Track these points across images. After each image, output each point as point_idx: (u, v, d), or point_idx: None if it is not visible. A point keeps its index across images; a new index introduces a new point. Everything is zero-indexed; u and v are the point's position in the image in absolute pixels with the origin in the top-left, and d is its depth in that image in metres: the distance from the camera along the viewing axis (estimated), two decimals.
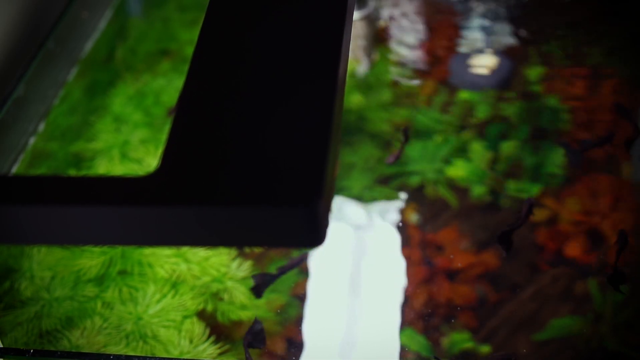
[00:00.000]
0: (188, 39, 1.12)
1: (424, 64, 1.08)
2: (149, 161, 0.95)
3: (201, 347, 0.78)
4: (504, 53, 1.09)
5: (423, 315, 0.81)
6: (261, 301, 0.82)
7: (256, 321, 0.78)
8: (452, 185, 0.92)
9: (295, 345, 0.79)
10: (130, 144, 0.97)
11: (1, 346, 0.76)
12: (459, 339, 0.79)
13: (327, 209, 0.45)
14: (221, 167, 0.47)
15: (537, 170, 0.93)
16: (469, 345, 0.78)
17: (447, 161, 0.95)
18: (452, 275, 0.84)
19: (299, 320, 0.81)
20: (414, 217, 0.90)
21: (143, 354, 0.77)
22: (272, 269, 0.85)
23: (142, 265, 0.84)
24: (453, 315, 0.81)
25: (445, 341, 0.79)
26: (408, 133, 0.96)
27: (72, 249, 0.86)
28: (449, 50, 1.09)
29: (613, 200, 0.90)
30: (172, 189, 0.46)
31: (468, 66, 1.07)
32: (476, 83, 1.05)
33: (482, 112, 1.00)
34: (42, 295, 0.82)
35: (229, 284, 0.83)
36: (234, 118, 0.50)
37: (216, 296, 0.82)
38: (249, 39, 0.55)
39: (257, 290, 0.82)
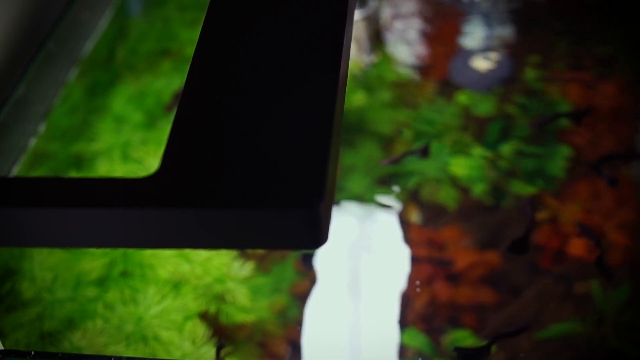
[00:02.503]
0: (189, 38, 1.12)
1: (425, 64, 1.08)
2: (150, 161, 0.95)
3: (204, 349, 0.78)
4: (505, 52, 1.09)
5: (424, 314, 0.81)
6: (263, 302, 0.82)
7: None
8: (453, 185, 0.92)
9: (298, 346, 0.79)
10: (131, 144, 0.97)
11: (2, 348, 0.76)
12: (460, 337, 0.79)
13: (329, 210, 0.45)
14: (222, 168, 0.47)
15: (538, 170, 0.93)
16: (469, 342, 0.78)
17: (448, 160, 0.95)
18: (453, 275, 0.84)
19: (300, 321, 0.81)
20: (414, 217, 0.90)
21: (144, 356, 0.77)
22: (275, 268, 0.85)
23: (144, 267, 0.84)
24: (454, 315, 0.81)
25: (446, 340, 0.79)
26: (428, 149, 0.95)
27: (73, 250, 0.86)
28: (450, 49, 1.09)
29: (614, 199, 0.90)
30: (173, 190, 0.46)
31: (469, 66, 1.07)
32: (477, 82, 1.05)
33: (483, 111, 1.00)
34: (44, 297, 0.82)
35: (231, 285, 0.83)
36: (234, 119, 0.49)
37: (219, 297, 0.82)
38: (250, 39, 0.55)
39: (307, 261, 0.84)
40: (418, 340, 0.79)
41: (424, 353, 0.78)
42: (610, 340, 0.78)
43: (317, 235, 0.45)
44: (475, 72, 1.06)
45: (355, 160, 0.96)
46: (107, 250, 0.85)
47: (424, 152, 0.95)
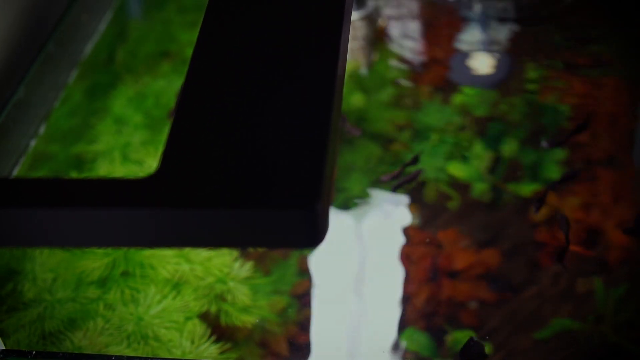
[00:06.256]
0: (188, 40, 1.12)
1: (424, 64, 1.08)
2: (150, 163, 0.95)
3: (203, 347, 0.79)
4: (504, 52, 1.09)
5: (424, 314, 0.81)
6: (263, 302, 0.82)
7: None
8: (453, 184, 0.93)
9: (298, 346, 0.80)
10: (131, 146, 0.98)
11: (3, 348, 0.76)
12: (460, 338, 0.79)
13: (326, 210, 0.46)
14: (220, 168, 0.47)
15: (537, 169, 0.93)
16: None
17: (447, 161, 0.95)
18: (453, 274, 0.84)
19: (299, 321, 0.81)
20: (414, 217, 0.90)
21: (144, 355, 0.77)
22: (275, 268, 0.85)
23: (144, 267, 0.85)
24: (454, 314, 0.81)
25: (446, 340, 0.79)
26: (417, 160, 0.95)
27: (74, 251, 0.86)
28: (449, 49, 1.09)
29: (613, 197, 0.90)
30: (172, 190, 0.46)
31: (468, 66, 1.07)
32: (476, 82, 1.05)
33: (481, 112, 1.01)
34: (45, 297, 0.82)
35: (231, 285, 0.83)
36: (232, 120, 0.50)
37: (220, 297, 0.83)
38: (248, 40, 0.55)
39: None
40: (417, 339, 0.79)
41: (422, 354, 0.78)
42: (610, 337, 0.78)
43: (315, 234, 0.45)
44: (474, 72, 1.07)
45: (354, 160, 0.96)
46: (108, 250, 0.86)
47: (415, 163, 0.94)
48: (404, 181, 0.92)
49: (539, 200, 0.89)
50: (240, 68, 0.53)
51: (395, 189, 0.92)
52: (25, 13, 1.00)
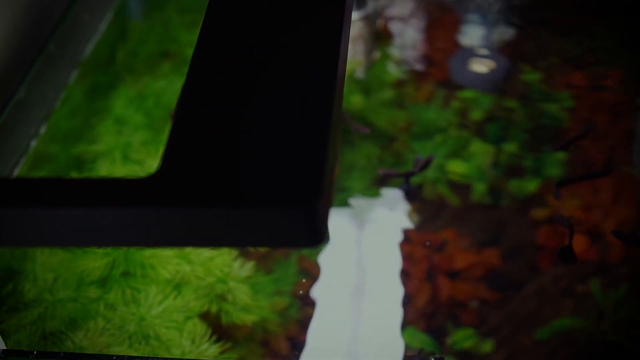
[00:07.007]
0: (188, 40, 1.12)
1: (424, 63, 1.08)
2: (150, 163, 0.95)
3: (203, 347, 0.79)
4: (504, 52, 1.09)
5: (425, 313, 0.81)
6: (264, 302, 0.82)
7: None
8: (453, 184, 0.93)
9: (299, 345, 0.80)
10: (131, 146, 0.98)
11: (4, 348, 0.77)
12: (461, 336, 0.79)
13: (327, 209, 0.46)
14: (221, 168, 0.47)
15: (537, 169, 0.93)
16: (471, 341, 0.79)
17: (447, 160, 0.95)
18: (453, 273, 0.84)
19: (300, 320, 0.81)
20: (415, 216, 0.90)
21: (145, 355, 0.77)
22: (276, 268, 0.85)
23: (145, 267, 0.85)
24: (455, 314, 0.81)
25: (447, 338, 0.79)
26: (428, 163, 0.94)
27: (75, 251, 0.86)
28: (449, 49, 1.10)
29: (613, 197, 0.90)
30: (172, 190, 0.47)
31: (468, 65, 1.07)
32: (476, 82, 1.05)
33: (481, 111, 1.01)
34: (45, 297, 0.82)
35: (232, 284, 0.83)
36: (233, 119, 0.50)
37: (220, 297, 0.83)
38: (248, 40, 0.55)
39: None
40: (418, 339, 0.79)
41: (424, 351, 0.78)
42: (610, 336, 0.78)
43: (316, 234, 0.45)
44: (474, 71, 1.07)
45: (354, 159, 0.96)
46: (109, 250, 0.86)
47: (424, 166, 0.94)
48: (418, 168, 0.92)
49: (563, 184, 0.89)
50: (240, 68, 0.53)
51: (407, 179, 0.92)
52: (25, 13, 1.00)
